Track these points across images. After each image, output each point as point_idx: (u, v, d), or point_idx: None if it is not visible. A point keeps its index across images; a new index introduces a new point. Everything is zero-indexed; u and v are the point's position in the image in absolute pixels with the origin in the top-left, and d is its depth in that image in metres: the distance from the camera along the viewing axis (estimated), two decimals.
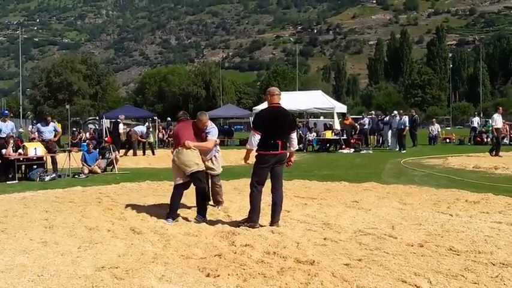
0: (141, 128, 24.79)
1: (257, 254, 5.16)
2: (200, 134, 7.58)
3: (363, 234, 6.09)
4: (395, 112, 25.27)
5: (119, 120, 23.33)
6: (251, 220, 6.57)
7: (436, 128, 30.58)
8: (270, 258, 5.01)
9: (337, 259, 4.99)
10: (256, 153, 6.54)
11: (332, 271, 4.48)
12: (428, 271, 4.51)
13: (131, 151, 22.62)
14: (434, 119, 35.64)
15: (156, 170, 15.91)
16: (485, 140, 28.21)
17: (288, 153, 6.78)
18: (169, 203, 7.42)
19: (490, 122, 19.21)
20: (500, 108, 20.86)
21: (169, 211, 7.27)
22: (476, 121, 31.49)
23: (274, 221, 6.61)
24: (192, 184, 7.40)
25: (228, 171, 14.72)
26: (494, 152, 18.28)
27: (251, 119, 32.08)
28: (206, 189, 7.54)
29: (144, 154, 22.85)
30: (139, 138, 23.51)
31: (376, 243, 5.61)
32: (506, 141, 27.64)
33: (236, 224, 6.78)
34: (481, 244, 5.53)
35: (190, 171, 7.21)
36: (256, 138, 6.38)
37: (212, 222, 6.97)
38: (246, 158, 6.69)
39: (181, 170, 7.24)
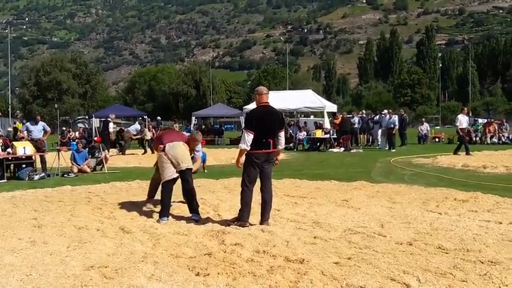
0: (135, 127, 24.71)
1: (247, 253, 5.15)
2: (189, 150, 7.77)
3: (353, 232, 6.11)
4: (386, 111, 25.37)
5: (109, 119, 23.22)
6: (241, 219, 6.57)
7: (425, 127, 30.70)
8: (260, 257, 5.01)
9: (327, 258, 5.00)
10: (247, 153, 6.51)
11: (322, 269, 4.49)
12: (417, 269, 4.53)
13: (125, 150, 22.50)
14: (423, 119, 35.84)
15: (145, 169, 15.82)
16: (474, 139, 28.40)
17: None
18: (160, 201, 7.41)
19: (455, 123, 19.41)
20: (465, 108, 21.30)
21: (163, 210, 7.22)
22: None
23: (264, 219, 6.62)
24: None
25: (218, 170, 14.73)
26: (462, 151, 18.45)
27: (241, 118, 32.09)
28: (194, 188, 7.55)
29: (145, 152, 22.52)
30: (133, 137, 23.42)
31: (365, 242, 5.63)
32: (495, 140, 27.85)
33: (226, 223, 6.76)
34: (470, 242, 5.56)
35: (185, 166, 7.26)
36: (249, 137, 6.37)
37: (202, 221, 6.96)
38: (239, 160, 6.58)
39: (173, 165, 7.26)
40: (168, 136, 7.68)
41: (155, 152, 7.92)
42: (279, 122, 6.70)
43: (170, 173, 7.27)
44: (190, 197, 7.36)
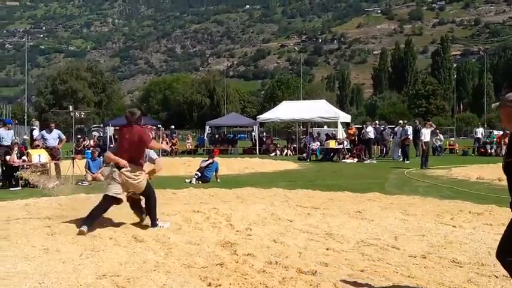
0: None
1: (259, 264, 5.14)
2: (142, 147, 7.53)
3: (366, 244, 6.07)
4: (401, 122, 25.27)
5: (34, 127, 23.12)
6: None
7: (440, 138, 30.42)
8: (272, 268, 4.99)
9: (340, 270, 4.97)
10: None
11: (334, 282, 4.46)
12: (430, 283, 4.49)
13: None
14: (437, 130, 35.59)
15: (158, 178, 15.85)
16: (489, 150, 28.12)
17: None
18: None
19: (420, 137, 19.63)
20: (430, 123, 21.85)
21: (89, 218, 7.06)
22: (480, 132, 31.40)
23: None
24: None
25: (231, 179, 14.72)
26: (425, 165, 18.65)
27: (255, 127, 32.11)
28: None
29: None
30: None
31: (378, 254, 5.59)
32: None
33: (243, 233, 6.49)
34: (484, 256, 5.49)
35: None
36: None
37: (214, 231, 6.95)
38: None
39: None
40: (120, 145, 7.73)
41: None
42: None
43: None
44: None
